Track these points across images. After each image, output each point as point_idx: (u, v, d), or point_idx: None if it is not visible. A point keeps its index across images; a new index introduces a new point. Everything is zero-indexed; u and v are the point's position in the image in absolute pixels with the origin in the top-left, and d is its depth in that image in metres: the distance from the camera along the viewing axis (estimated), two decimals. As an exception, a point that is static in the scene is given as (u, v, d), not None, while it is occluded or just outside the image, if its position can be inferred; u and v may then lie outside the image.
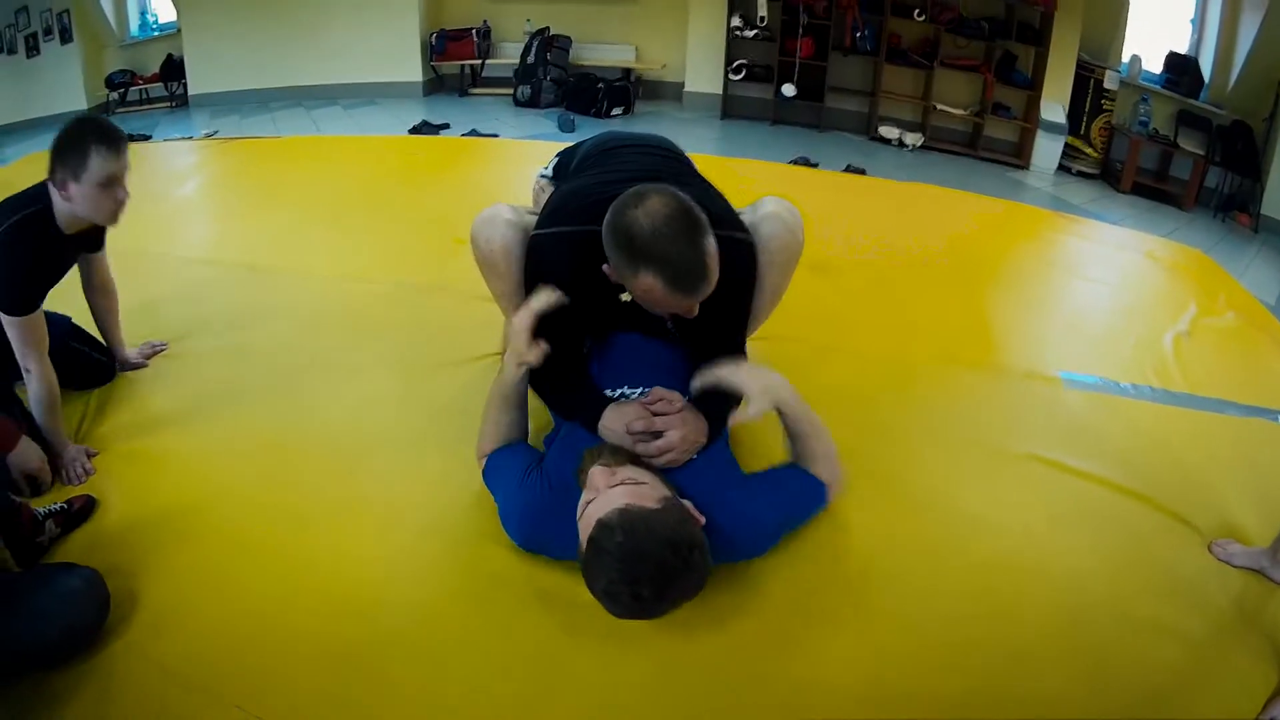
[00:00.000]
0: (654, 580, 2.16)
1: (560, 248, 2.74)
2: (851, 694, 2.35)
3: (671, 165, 3.13)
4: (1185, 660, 2.52)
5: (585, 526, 2.26)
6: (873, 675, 2.41)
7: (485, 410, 2.88)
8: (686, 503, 2.38)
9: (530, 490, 2.65)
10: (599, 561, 2.18)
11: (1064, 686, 2.40)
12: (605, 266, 2.55)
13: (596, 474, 2.38)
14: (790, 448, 2.86)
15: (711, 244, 2.39)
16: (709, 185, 3.00)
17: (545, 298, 2.63)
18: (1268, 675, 2.45)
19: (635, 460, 2.51)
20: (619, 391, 2.86)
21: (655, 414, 2.67)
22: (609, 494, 2.29)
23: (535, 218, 2.94)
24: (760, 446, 3.03)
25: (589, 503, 2.31)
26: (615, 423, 2.66)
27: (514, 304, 2.87)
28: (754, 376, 2.70)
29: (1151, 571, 2.84)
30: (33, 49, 9.51)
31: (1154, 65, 8.91)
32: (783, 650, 2.46)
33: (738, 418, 2.72)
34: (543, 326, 2.68)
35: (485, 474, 2.84)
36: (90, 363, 3.51)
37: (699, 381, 2.68)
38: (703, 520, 2.37)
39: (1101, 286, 5.36)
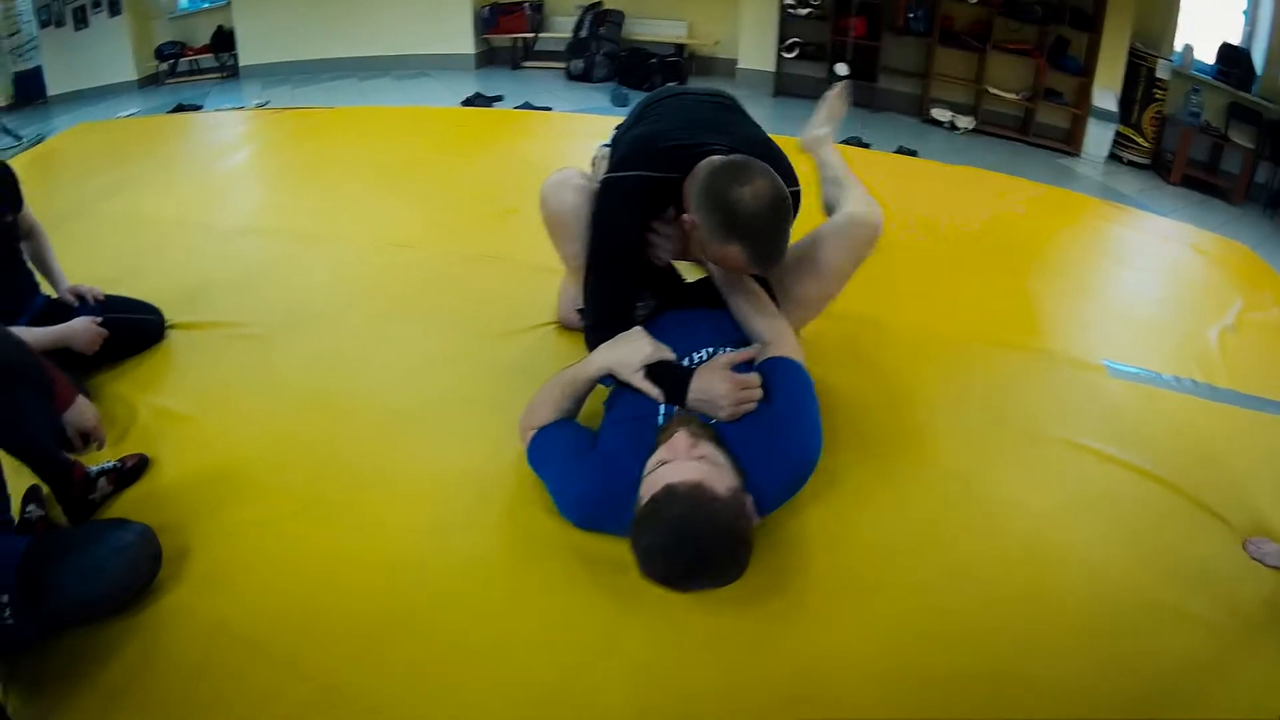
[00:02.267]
0: (693, 562, 2.24)
1: (633, 190, 2.85)
2: (875, 668, 2.38)
3: (727, 114, 3.26)
4: (1208, 654, 2.53)
5: (653, 483, 2.31)
6: (896, 650, 2.44)
7: (545, 388, 2.90)
8: (748, 498, 2.40)
9: (590, 470, 2.63)
10: (651, 522, 2.25)
11: (1085, 672, 2.41)
12: (685, 216, 2.74)
13: (681, 439, 2.41)
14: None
15: (790, 228, 2.67)
16: (765, 135, 3.17)
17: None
18: (1292, 672, 2.46)
19: (716, 440, 2.52)
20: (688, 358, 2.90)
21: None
22: (686, 464, 2.32)
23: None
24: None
25: (663, 462, 2.35)
26: (709, 389, 2.68)
27: (580, 266, 2.99)
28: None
29: (1180, 563, 2.84)
30: (81, 21, 9.60)
31: (1206, 55, 8.82)
32: (811, 624, 2.49)
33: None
34: (615, 259, 2.90)
35: (531, 448, 2.81)
36: (135, 325, 3.56)
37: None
38: (757, 520, 2.43)
39: (1148, 276, 5.33)
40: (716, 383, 2.67)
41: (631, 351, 2.75)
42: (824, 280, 3.16)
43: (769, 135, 3.15)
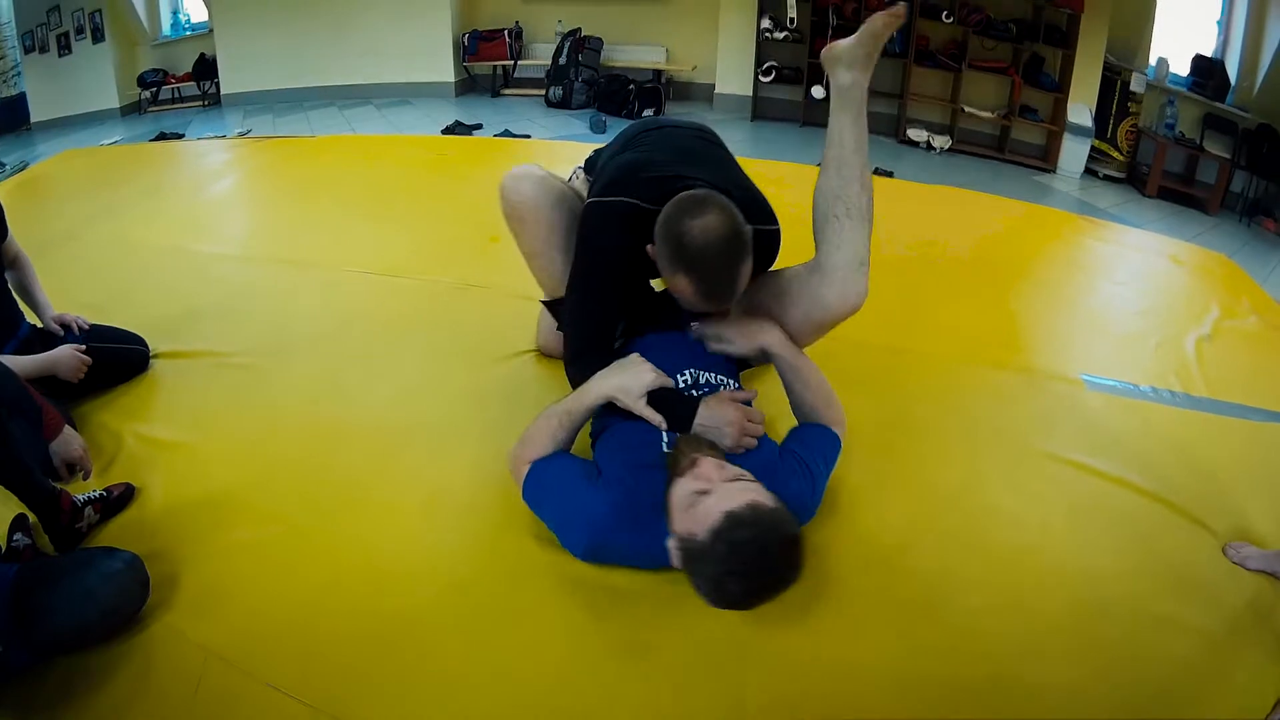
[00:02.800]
0: (773, 579, 2.29)
1: (618, 216, 2.84)
2: (868, 678, 2.39)
3: (712, 150, 3.28)
4: (1197, 659, 2.55)
5: (704, 515, 2.27)
6: (892, 661, 2.45)
7: (540, 421, 2.82)
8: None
9: (602, 496, 2.59)
10: (716, 551, 2.22)
11: (1078, 680, 2.43)
12: (650, 248, 2.72)
13: (707, 465, 2.43)
14: (791, 399, 3.04)
15: (748, 267, 2.64)
16: (741, 172, 3.15)
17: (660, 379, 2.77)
18: (1277, 677, 2.48)
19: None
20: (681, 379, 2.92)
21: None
22: (729, 488, 2.34)
23: (563, 182, 3.11)
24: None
25: (702, 493, 2.34)
26: (717, 416, 2.72)
27: (540, 263, 3.08)
28: (739, 326, 2.97)
29: (1166, 571, 2.86)
30: (64, 48, 9.63)
31: (1180, 68, 8.89)
32: (805, 635, 2.51)
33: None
34: (599, 283, 2.89)
35: (529, 481, 2.71)
36: (120, 354, 3.56)
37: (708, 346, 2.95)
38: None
39: (1124, 289, 5.37)
40: (727, 410, 2.72)
41: (633, 378, 2.74)
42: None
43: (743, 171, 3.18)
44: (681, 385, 2.89)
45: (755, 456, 2.69)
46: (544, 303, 3.28)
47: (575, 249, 2.97)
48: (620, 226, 2.83)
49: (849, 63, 2.89)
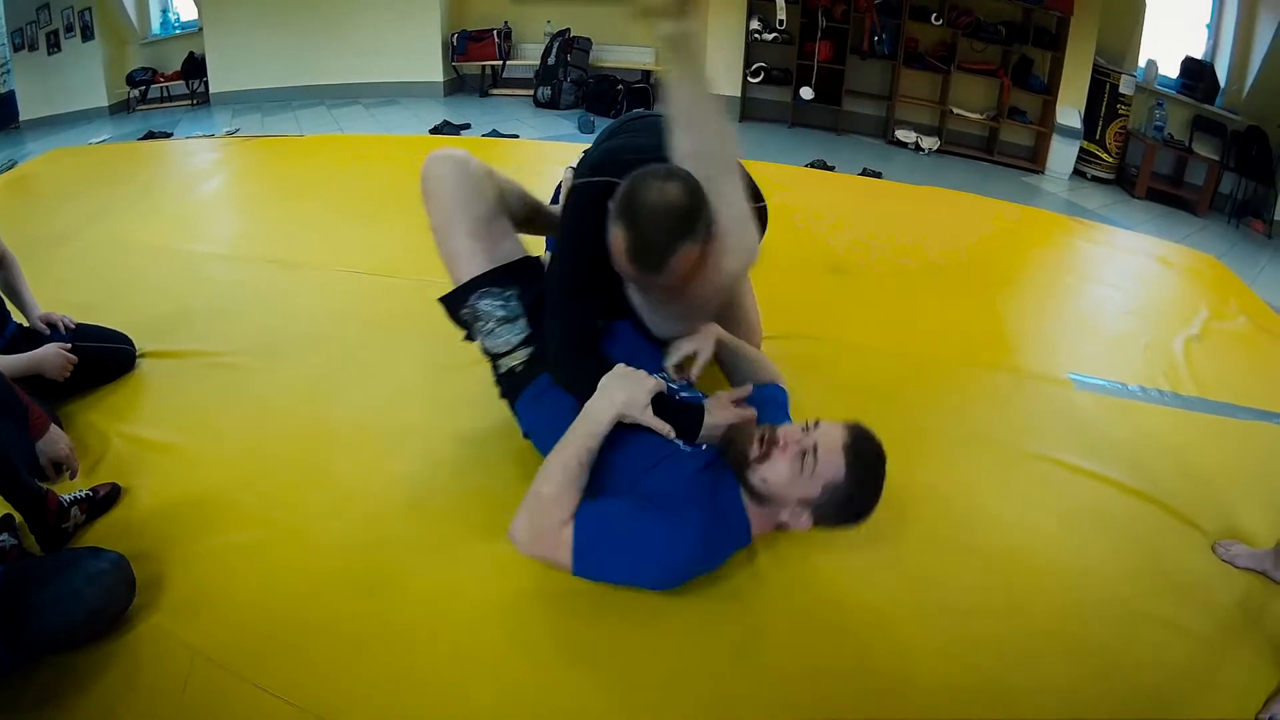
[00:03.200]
0: (884, 466, 2.52)
1: (600, 197, 2.75)
2: (861, 683, 2.39)
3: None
4: (1189, 658, 2.55)
5: (828, 465, 2.42)
6: (883, 665, 2.45)
7: (553, 475, 2.52)
8: None
9: (690, 520, 2.49)
10: (858, 479, 2.45)
11: (1071, 682, 2.43)
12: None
13: (788, 431, 2.53)
14: (736, 376, 3.16)
15: (688, 250, 2.53)
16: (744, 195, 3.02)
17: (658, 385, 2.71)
18: (1269, 675, 2.48)
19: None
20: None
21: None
22: (820, 432, 2.49)
23: (490, 174, 3.01)
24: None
25: (804, 454, 2.44)
26: (722, 421, 2.74)
27: (439, 238, 2.99)
28: (690, 338, 2.94)
29: (1157, 571, 2.87)
30: (54, 46, 9.59)
31: (1170, 70, 8.92)
32: (797, 638, 2.50)
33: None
34: (586, 271, 2.80)
35: (580, 549, 2.44)
36: (105, 354, 3.54)
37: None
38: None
39: (1113, 290, 5.39)
40: (730, 414, 2.73)
41: (637, 389, 2.65)
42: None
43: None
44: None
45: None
46: (442, 299, 3.10)
47: (559, 238, 2.95)
48: (603, 208, 2.72)
49: (665, 8, 2.56)
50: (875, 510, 2.51)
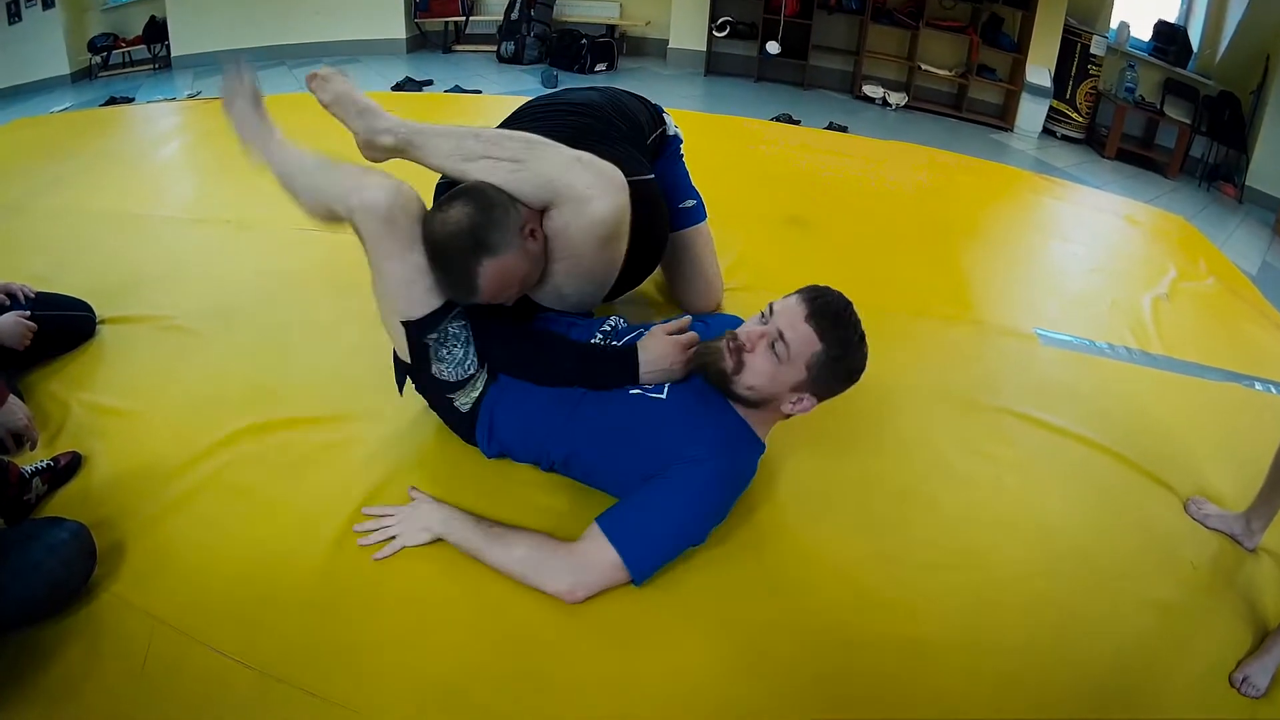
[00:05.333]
0: (852, 311, 2.57)
1: None
2: (821, 635, 2.39)
3: (583, 124, 3.10)
4: (1156, 615, 2.56)
5: (802, 343, 2.45)
6: (842, 618, 2.45)
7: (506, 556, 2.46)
8: None
9: (706, 463, 2.47)
10: (839, 334, 2.49)
11: (1031, 636, 2.44)
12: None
13: (751, 330, 2.53)
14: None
15: (490, 266, 2.55)
16: (620, 145, 3.04)
17: None
18: (1242, 634, 2.49)
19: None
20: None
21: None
22: (777, 315, 2.51)
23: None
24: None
25: (774, 341, 2.46)
26: (658, 356, 2.69)
27: (393, 272, 2.70)
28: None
29: (1123, 527, 2.88)
30: (14, 15, 9.41)
31: (1142, 33, 8.93)
32: (753, 593, 2.50)
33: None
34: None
35: (628, 546, 2.38)
36: (65, 321, 3.48)
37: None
38: None
39: (1081, 248, 5.38)
40: (663, 346, 2.69)
41: (660, 350, 2.69)
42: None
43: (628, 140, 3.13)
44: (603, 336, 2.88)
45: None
46: (411, 323, 2.78)
47: None
48: None
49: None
50: (866, 370, 2.57)
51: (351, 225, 2.66)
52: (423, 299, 2.63)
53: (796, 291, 2.53)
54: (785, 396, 2.51)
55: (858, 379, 2.57)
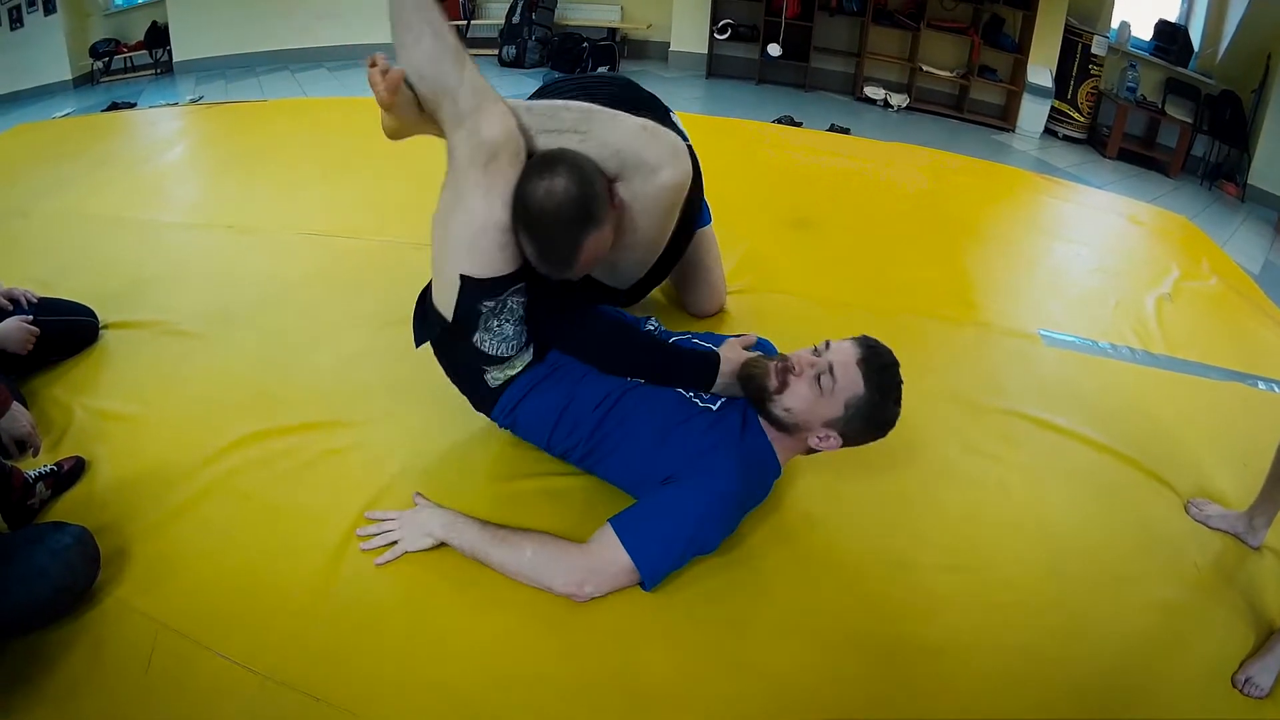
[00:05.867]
0: (899, 377, 2.55)
1: None
2: (829, 641, 2.38)
3: (617, 94, 3.09)
4: (1161, 616, 2.56)
5: (847, 381, 2.46)
6: (846, 619, 2.45)
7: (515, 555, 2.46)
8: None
9: (723, 478, 2.48)
10: (880, 388, 2.48)
11: (1035, 636, 2.44)
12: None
13: (801, 357, 2.53)
14: None
15: (591, 238, 2.53)
16: (626, 118, 2.88)
17: None
18: (1245, 634, 2.49)
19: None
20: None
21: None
22: (833, 352, 2.51)
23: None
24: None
25: (821, 375, 2.46)
26: (738, 354, 2.71)
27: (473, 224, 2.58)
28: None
29: (1127, 528, 2.88)
30: (16, 21, 9.41)
31: (1143, 32, 8.92)
32: (761, 597, 2.50)
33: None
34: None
35: (639, 550, 2.39)
36: (69, 327, 3.48)
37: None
38: None
39: (1083, 248, 5.37)
40: (741, 356, 2.70)
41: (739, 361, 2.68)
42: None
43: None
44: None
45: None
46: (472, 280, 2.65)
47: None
48: None
49: None
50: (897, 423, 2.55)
51: (448, 131, 2.57)
52: (494, 258, 2.54)
53: (853, 338, 2.54)
54: (816, 429, 2.51)
55: (885, 433, 2.57)
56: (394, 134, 2.75)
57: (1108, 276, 4.89)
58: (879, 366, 2.47)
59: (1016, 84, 9.21)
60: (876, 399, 2.46)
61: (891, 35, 9.78)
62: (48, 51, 9.71)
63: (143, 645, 2.23)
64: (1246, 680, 2.32)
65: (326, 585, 2.43)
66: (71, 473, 2.79)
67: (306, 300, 3.88)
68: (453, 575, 2.49)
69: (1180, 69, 8.62)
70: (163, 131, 6.85)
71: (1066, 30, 8.93)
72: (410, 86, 2.58)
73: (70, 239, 4.44)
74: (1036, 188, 6.63)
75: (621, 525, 2.40)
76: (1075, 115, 9.03)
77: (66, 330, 3.43)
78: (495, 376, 2.72)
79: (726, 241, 3.67)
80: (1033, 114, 9.13)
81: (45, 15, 9.55)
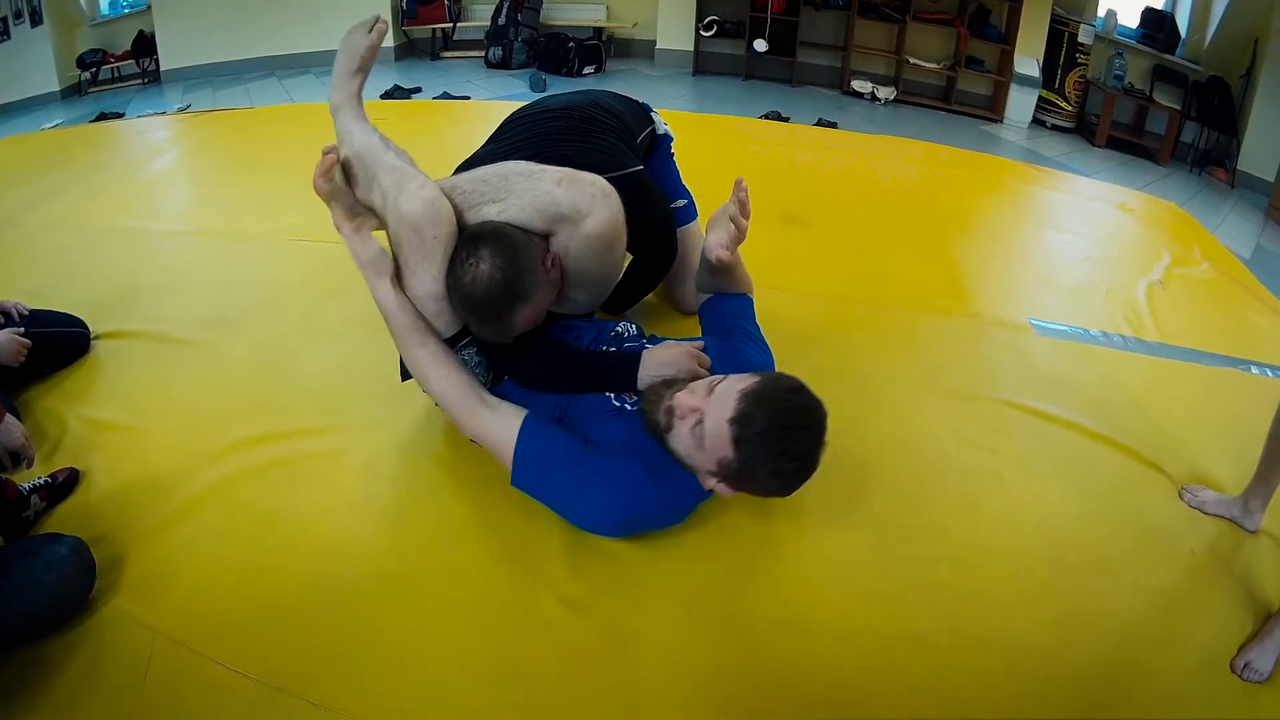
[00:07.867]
0: (806, 432, 2.28)
1: None
2: (820, 630, 2.39)
3: (562, 126, 3.13)
4: (1158, 603, 2.56)
5: (716, 439, 2.26)
6: (841, 613, 2.45)
7: (443, 378, 2.67)
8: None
9: (629, 463, 2.51)
10: (753, 454, 2.23)
11: (1033, 628, 2.44)
12: None
13: (683, 398, 2.37)
14: (713, 281, 3.09)
15: (522, 313, 2.58)
16: (605, 141, 3.06)
17: None
18: (1243, 619, 2.49)
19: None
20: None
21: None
22: (714, 398, 2.31)
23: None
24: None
25: (697, 423, 2.32)
26: (662, 362, 2.68)
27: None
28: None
29: (1122, 516, 2.87)
30: (3, 34, 9.38)
31: (1130, 20, 8.93)
32: (753, 589, 2.51)
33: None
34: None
35: (525, 464, 2.56)
36: (60, 339, 3.47)
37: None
38: None
39: (1073, 237, 5.37)
40: (668, 352, 2.69)
41: (665, 355, 2.70)
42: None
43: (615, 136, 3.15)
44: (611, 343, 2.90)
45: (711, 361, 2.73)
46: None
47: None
48: None
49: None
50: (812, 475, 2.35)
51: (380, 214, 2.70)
52: (439, 321, 2.68)
53: (753, 382, 2.31)
54: (704, 476, 2.40)
55: (788, 492, 2.41)
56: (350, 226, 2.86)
57: (1098, 265, 4.90)
58: (760, 432, 2.22)
59: (1004, 74, 9.21)
60: (749, 469, 2.28)
61: (878, 28, 9.76)
62: (35, 63, 9.67)
63: (140, 653, 2.22)
64: (1246, 665, 2.32)
65: (323, 590, 2.44)
66: (66, 484, 2.78)
67: (298, 306, 3.88)
68: (450, 578, 2.49)
69: (1168, 56, 8.63)
70: (151, 140, 6.85)
71: (1053, 19, 8.95)
72: (345, 172, 2.80)
73: (61, 249, 4.43)
74: (1026, 178, 6.64)
75: (524, 441, 2.56)
76: (1063, 104, 9.03)
77: (58, 342, 3.42)
78: None
79: (714, 238, 3.67)
80: (1020, 104, 9.13)
81: (32, 27, 9.52)
